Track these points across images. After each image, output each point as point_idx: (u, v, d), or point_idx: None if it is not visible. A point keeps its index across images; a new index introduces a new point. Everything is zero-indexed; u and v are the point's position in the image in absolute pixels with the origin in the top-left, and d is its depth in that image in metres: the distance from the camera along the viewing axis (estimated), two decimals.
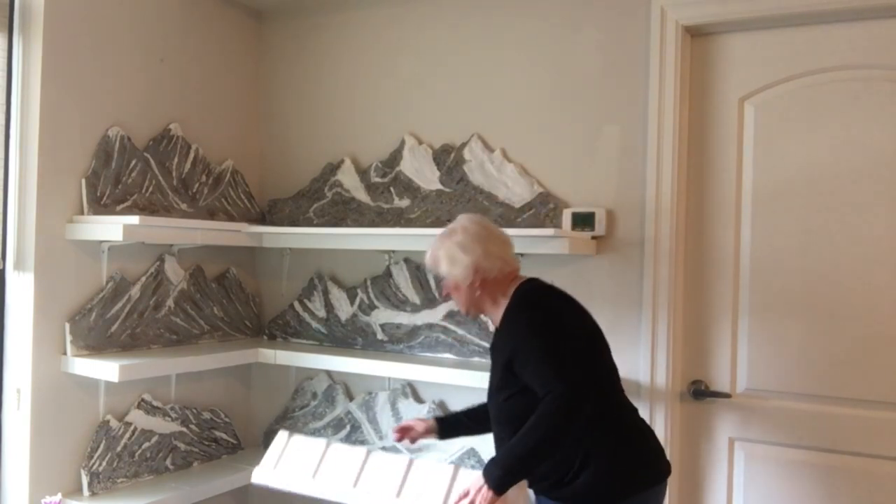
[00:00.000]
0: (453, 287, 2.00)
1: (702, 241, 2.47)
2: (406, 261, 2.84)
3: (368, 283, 2.92)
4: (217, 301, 2.98)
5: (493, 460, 1.81)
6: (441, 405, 2.77)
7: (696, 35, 2.47)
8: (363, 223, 2.92)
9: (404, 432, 2.21)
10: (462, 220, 2.01)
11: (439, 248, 1.98)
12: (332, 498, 2.18)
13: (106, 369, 2.39)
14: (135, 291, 2.66)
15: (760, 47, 2.39)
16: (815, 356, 2.31)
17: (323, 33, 3.08)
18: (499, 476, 1.76)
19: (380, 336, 2.90)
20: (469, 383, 2.48)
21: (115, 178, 2.60)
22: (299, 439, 2.33)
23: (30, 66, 2.39)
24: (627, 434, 1.92)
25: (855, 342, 2.26)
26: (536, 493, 1.95)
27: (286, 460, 2.29)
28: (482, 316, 2.22)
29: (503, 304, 1.95)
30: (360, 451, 2.23)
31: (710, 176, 2.46)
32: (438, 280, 2.16)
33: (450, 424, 2.23)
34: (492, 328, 2.17)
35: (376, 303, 2.91)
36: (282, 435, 2.36)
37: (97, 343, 2.53)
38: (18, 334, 2.40)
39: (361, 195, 2.96)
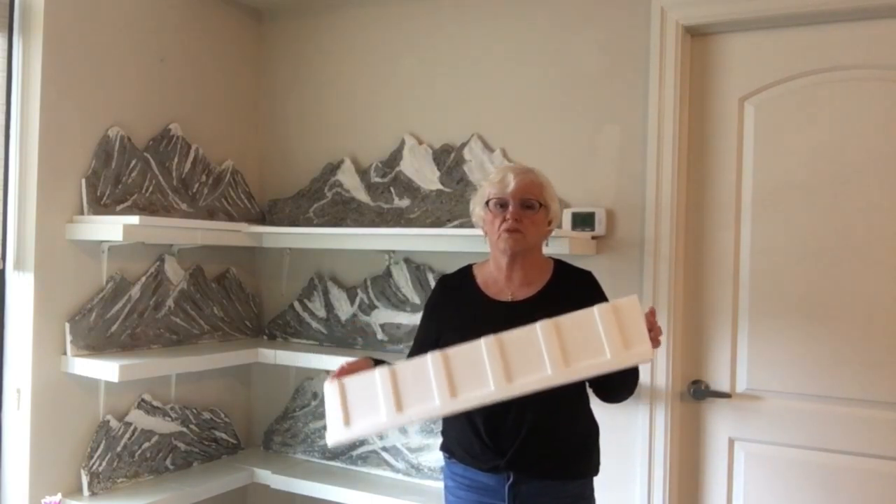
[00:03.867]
0: (536, 220, 1.89)
1: (702, 241, 2.47)
2: (406, 261, 2.84)
3: (368, 283, 2.92)
4: (217, 301, 2.98)
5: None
6: None
7: (696, 35, 2.47)
8: (363, 223, 2.92)
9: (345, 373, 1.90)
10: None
11: (540, 176, 1.94)
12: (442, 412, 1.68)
13: (106, 369, 2.39)
14: (135, 291, 2.66)
15: (760, 47, 2.39)
16: (814, 356, 2.31)
17: (323, 33, 3.08)
18: None
19: (380, 336, 2.89)
20: None
21: (115, 178, 2.60)
22: (353, 380, 1.78)
23: (30, 66, 2.39)
24: None
25: (855, 342, 2.26)
26: (542, 477, 1.87)
27: (354, 408, 1.74)
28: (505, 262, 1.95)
29: (539, 257, 1.96)
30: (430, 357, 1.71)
31: (710, 176, 2.46)
32: (522, 203, 1.87)
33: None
34: None
35: (376, 303, 2.91)
36: (330, 385, 1.78)
37: (97, 343, 2.53)
38: (18, 334, 2.41)
39: (361, 195, 2.96)
